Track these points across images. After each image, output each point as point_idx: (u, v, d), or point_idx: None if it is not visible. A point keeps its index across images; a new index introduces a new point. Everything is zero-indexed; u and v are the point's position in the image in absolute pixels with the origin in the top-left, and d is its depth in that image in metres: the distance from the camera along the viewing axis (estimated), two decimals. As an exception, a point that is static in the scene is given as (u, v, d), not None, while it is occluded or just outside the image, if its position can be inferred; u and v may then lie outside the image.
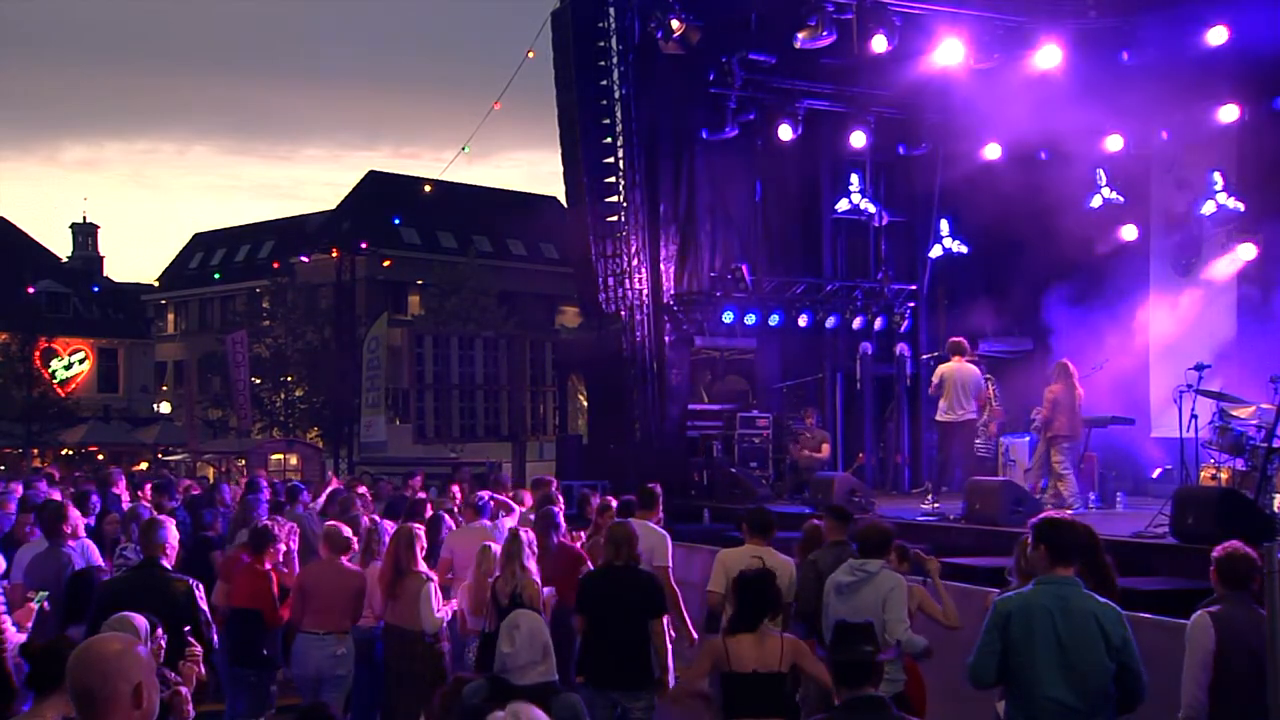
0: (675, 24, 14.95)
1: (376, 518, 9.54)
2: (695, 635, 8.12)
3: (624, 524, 7.63)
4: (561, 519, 9.24)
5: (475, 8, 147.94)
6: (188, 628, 5.75)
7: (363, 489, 13.26)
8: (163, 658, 4.95)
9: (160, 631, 4.97)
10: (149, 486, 13.65)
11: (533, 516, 9.53)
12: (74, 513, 8.26)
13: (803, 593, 7.57)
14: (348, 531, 8.19)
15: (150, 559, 6.80)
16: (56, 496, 10.63)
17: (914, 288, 18.33)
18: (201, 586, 6.77)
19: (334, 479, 17.24)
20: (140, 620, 4.91)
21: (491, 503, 9.81)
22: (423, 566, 7.84)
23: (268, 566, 8.00)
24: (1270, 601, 4.38)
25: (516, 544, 7.69)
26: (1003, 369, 16.34)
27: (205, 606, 6.65)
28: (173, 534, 6.98)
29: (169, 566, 6.82)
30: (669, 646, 7.78)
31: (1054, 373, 12.84)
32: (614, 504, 9.64)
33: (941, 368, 13.82)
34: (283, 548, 8.25)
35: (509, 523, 9.38)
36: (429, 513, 9.91)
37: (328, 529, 8.16)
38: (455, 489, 13.07)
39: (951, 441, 14.19)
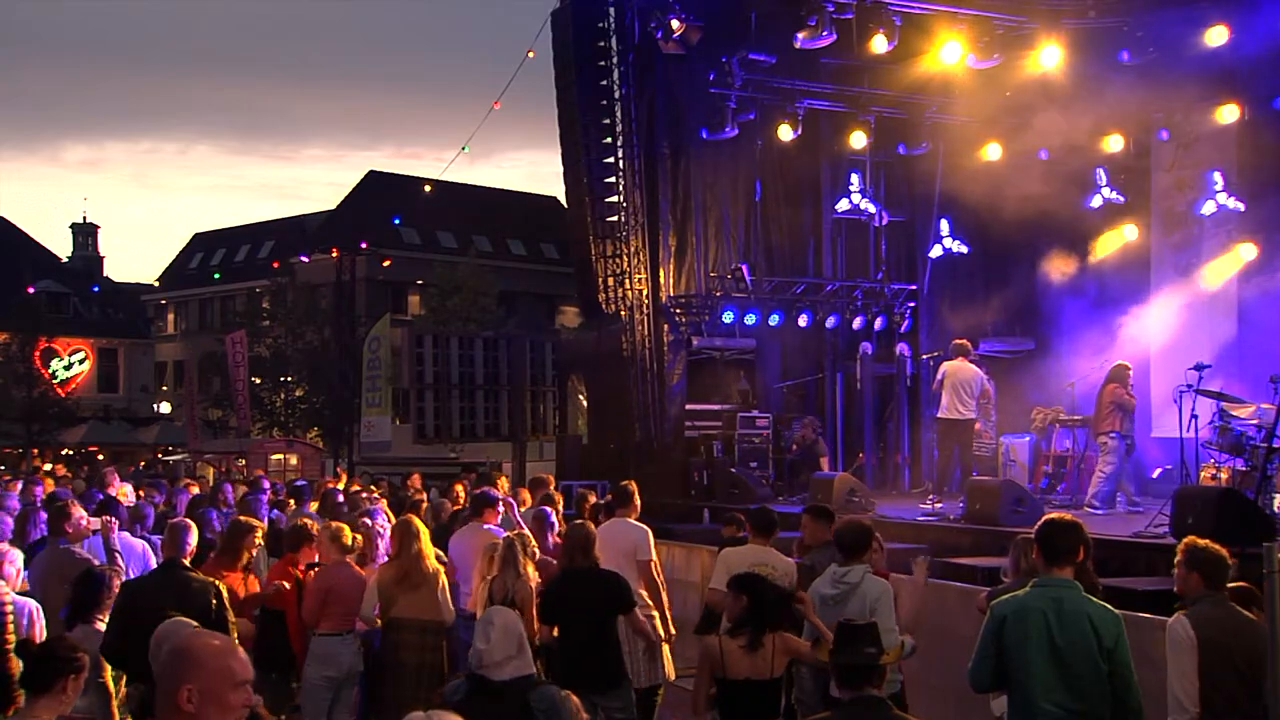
0: (675, 24, 14.96)
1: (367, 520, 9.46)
2: (673, 630, 8.17)
3: (580, 525, 7.62)
4: (555, 519, 9.25)
5: (475, 8, 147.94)
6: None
7: (356, 488, 13.25)
8: None
9: None
10: (136, 487, 13.67)
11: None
12: (78, 512, 8.26)
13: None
14: (348, 531, 8.16)
15: (172, 560, 6.83)
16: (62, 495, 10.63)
17: (914, 288, 18.33)
18: (223, 587, 6.80)
19: (330, 480, 17.22)
20: (191, 625, 4.95)
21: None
22: (433, 560, 7.84)
23: (302, 568, 7.99)
24: (1270, 601, 4.36)
25: (513, 549, 7.71)
26: (1003, 369, 16.34)
27: (229, 607, 6.66)
28: (194, 536, 7.11)
29: (190, 566, 6.86)
30: (649, 627, 7.77)
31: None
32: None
33: (945, 365, 13.94)
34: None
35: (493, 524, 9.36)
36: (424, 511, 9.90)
37: (332, 529, 8.11)
38: (459, 488, 13.04)
39: (950, 440, 14.21)
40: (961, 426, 13.95)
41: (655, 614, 8.09)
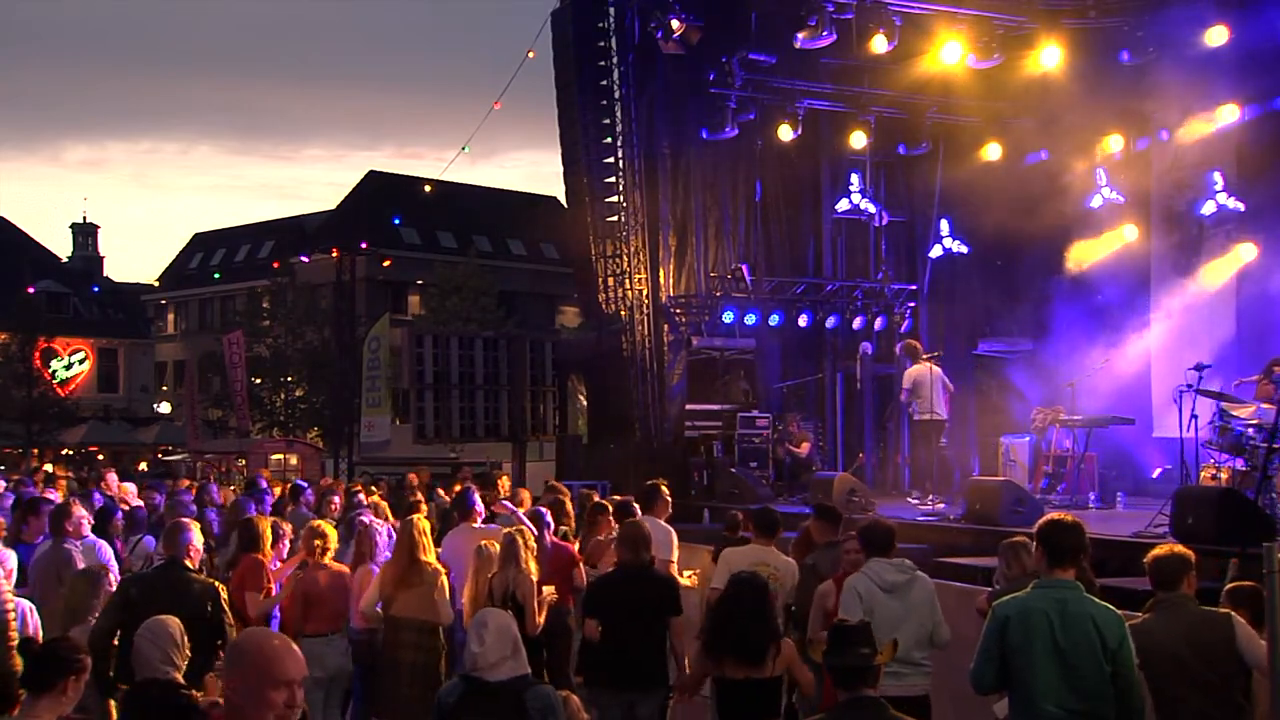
0: (675, 24, 14.94)
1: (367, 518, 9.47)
2: None
3: (637, 524, 7.58)
4: (551, 519, 9.26)
5: (475, 8, 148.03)
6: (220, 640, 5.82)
7: (356, 488, 13.24)
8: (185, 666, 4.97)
9: (186, 638, 5.00)
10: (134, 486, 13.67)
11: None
12: (78, 511, 8.25)
13: (802, 596, 7.54)
14: (328, 531, 8.16)
15: (173, 559, 6.79)
16: (51, 496, 10.63)
17: (914, 288, 18.32)
18: (222, 589, 6.79)
19: (326, 479, 17.21)
20: (175, 624, 4.94)
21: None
22: (433, 559, 7.84)
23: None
24: (1270, 601, 4.37)
25: (514, 545, 7.72)
26: (1002, 369, 16.33)
27: (228, 609, 6.63)
28: (197, 536, 7.00)
29: (191, 567, 6.83)
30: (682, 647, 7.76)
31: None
32: (609, 505, 9.66)
33: (914, 370, 14.00)
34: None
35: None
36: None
37: (311, 529, 8.13)
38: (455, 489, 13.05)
39: (930, 441, 14.34)
40: (937, 426, 14.16)
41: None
